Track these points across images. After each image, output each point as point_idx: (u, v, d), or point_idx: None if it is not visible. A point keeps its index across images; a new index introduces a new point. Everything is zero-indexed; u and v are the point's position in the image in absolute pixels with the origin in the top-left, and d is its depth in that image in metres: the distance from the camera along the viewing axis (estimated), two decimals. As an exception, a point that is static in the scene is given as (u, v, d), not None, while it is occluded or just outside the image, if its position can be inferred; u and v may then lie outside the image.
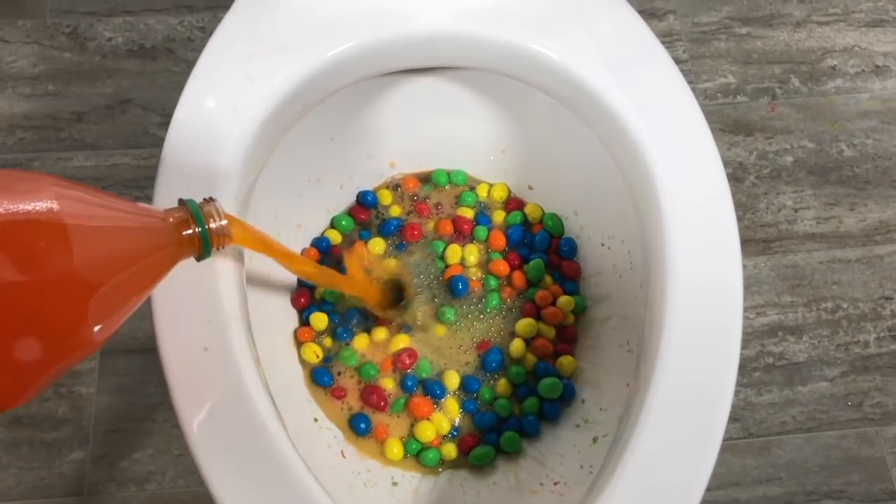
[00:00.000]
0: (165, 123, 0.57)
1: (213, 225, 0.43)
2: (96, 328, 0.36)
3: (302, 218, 0.70)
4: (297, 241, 0.69)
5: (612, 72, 0.58)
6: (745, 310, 0.95)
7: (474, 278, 0.68)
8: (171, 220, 0.42)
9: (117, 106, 1.02)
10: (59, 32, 1.06)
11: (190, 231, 0.42)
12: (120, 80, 1.04)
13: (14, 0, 1.07)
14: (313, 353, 0.65)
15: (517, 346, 0.65)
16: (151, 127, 1.01)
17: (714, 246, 0.54)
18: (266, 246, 0.51)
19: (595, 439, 0.60)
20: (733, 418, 0.90)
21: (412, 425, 0.63)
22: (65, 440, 0.86)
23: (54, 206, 0.35)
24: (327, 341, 0.66)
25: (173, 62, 1.05)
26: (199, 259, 0.44)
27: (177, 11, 1.08)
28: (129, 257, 0.38)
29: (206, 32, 1.07)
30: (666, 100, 0.57)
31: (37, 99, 1.02)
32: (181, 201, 0.43)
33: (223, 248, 0.44)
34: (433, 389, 0.63)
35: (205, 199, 0.44)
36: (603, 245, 0.67)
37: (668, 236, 0.54)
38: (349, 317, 0.66)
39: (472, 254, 0.69)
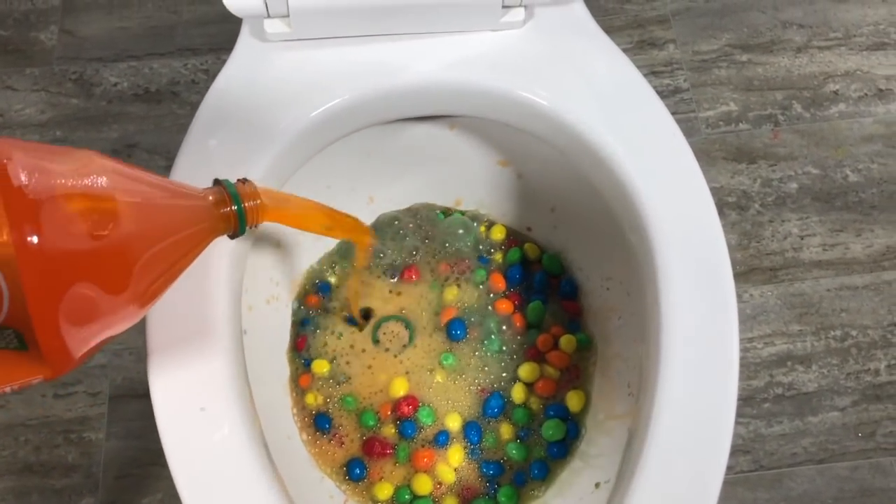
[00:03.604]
0: (170, 166, 0.58)
1: (247, 203, 0.45)
2: (140, 296, 0.38)
3: (303, 262, 0.70)
4: (298, 285, 0.70)
5: (603, 117, 0.58)
6: (753, 339, 0.94)
7: (473, 321, 0.68)
8: (210, 198, 0.44)
9: (123, 150, 1.03)
10: (66, 79, 1.08)
11: (227, 209, 0.45)
12: (126, 125, 1.05)
13: (22, 49, 1.09)
14: (315, 399, 0.65)
15: (519, 390, 0.65)
16: (157, 170, 1.00)
17: (709, 287, 0.54)
18: (298, 221, 0.54)
19: (598, 485, 0.59)
20: (744, 450, 0.90)
21: (411, 475, 0.62)
22: (75, 487, 0.86)
23: (105, 180, 0.37)
24: (328, 387, 0.66)
25: (178, 105, 1.06)
26: (233, 237, 0.46)
27: (180, 55, 1.09)
28: (170, 231, 0.41)
29: (210, 75, 1.08)
30: (658, 144, 0.57)
31: (44, 146, 1.03)
32: (216, 181, 0.46)
33: (256, 226, 0.47)
34: (436, 437, 0.63)
35: (239, 180, 0.47)
36: (602, 287, 0.67)
37: (662, 278, 0.54)
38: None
39: (471, 295, 0.69)
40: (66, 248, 0.34)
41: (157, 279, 0.40)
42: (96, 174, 0.37)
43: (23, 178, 0.34)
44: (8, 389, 0.36)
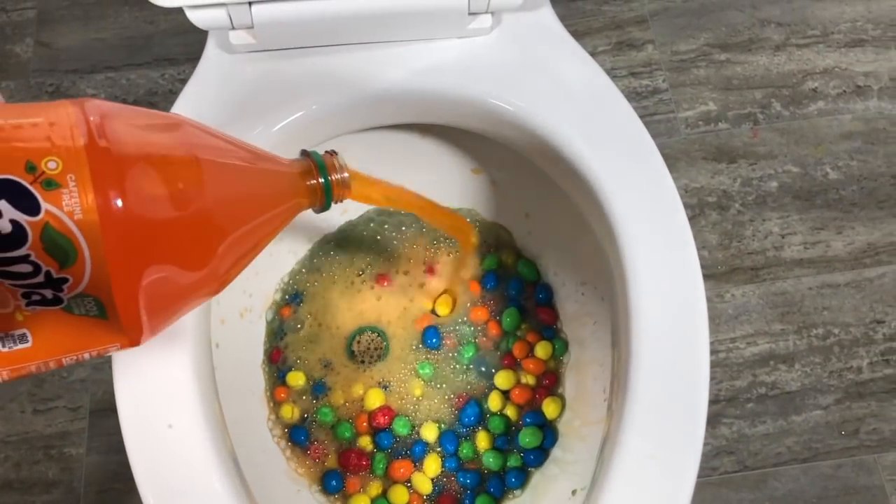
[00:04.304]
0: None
1: (335, 177, 0.43)
2: (222, 267, 0.37)
3: (277, 273, 0.70)
4: (272, 298, 0.69)
5: (572, 123, 0.57)
6: (735, 339, 0.94)
7: (448, 329, 0.68)
8: (296, 168, 0.42)
9: (101, 162, 1.03)
10: (43, 91, 1.07)
11: (314, 181, 0.43)
12: (104, 137, 1.04)
13: (-3, 62, 1.09)
14: (291, 411, 0.65)
15: (495, 398, 0.65)
16: (136, 182, 1.02)
17: (678, 291, 0.54)
18: (387, 199, 0.52)
19: (574, 492, 0.59)
20: (728, 451, 0.89)
21: (388, 486, 0.62)
22: (56, 503, 0.86)
23: (193, 146, 0.36)
24: (304, 399, 0.66)
25: (156, 116, 1.06)
26: (318, 211, 0.44)
27: (158, 65, 1.09)
28: (256, 202, 0.39)
29: (188, 85, 1.08)
30: (626, 149, 0.57)
31: (22, 159, 1.03)
32: (304, 152, 0.44)
33: (342, 200, 0.45)
34: (412, 448, 0.63)
35: (327, 152, 0.45)
36: (577, 292, 0.67)
37: (632, 281, 0.54)
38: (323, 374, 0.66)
39: (446, 304, 0.68)
40: (150, 214, 0.33)
41: (239, 251, 0.39)
42: (184, 139, 0.36)
43: (109, 139, 0.33)
44: (87, 356, 0.35)
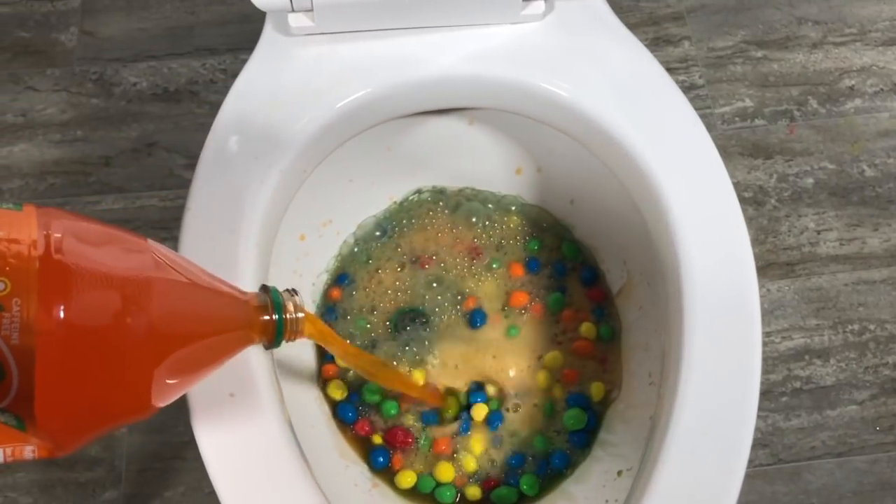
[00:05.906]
0: (190, 165, 0.58)
1: (288, 316, 0.43)
2: (158, 394, 0.37)
3: (325, 254, 0.71)
4: (320, 279, 0.71)
5: (623, 108, 0.58)
6: (770, 334, 0.94)
7: (493, 310, 0.69)
8: (252, 302, 0.42)
9: (143, 149, 1.04)
10: (87, 79, 1.09)
11: (267, 317, 0.43)
12: (145, 124, 1.06)
13: (43, 50, 1.11)
14: (338, 389, 0.66)
15: (542, 378, 0.65)
16: (177, 168, 1.03)
17: (731, 276, 0.55)
18: (333, 345, 0.53)
19: (620, 473, 0.60)
20: (762, 444, 0.90)
21: (434, 463, 0.63)
22: (98, 480, 0.87)
23: (148, 271, 0.36)
24: (351, 377, 0.67)
25: (196, 104, 1.07)
26: (267, 347, 0.44)
27: (199, 55, 1.11)
28: (204, 329, 0.39)
29: (228, 74, 1.09)
30: (679, 135, 0.58)
31: (66, 145, 1.04)
32: (264, 287, 0.44)
33: (293, 340, 0.45)
34: (458, 426, 0.64)
35: (287, 291, 0.45)
36: (621, 277, 0.68)
37: (685, 267, 0.54)
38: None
39: (489, 285, 0.69)
40: (90, 346, 0.33)
41: (177, 380, 0.38)
42: (142, 264, 0.36)
43: (64, 265, 0.33)
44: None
